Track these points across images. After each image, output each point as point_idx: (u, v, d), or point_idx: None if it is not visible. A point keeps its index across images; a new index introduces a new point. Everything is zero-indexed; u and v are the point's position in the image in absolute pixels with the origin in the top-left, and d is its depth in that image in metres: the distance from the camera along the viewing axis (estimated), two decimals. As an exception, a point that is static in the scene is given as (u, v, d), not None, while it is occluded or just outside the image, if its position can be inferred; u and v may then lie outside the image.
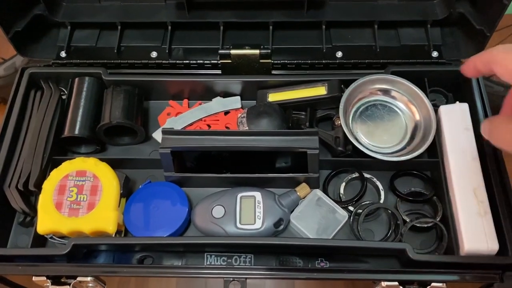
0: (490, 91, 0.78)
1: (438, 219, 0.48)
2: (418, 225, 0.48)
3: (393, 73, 0.53)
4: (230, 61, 0.54)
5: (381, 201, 0.50)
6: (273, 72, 0.56)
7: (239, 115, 0.54)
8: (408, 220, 0.48)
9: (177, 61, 0.57)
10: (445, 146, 0.48)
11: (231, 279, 0.43)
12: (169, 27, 0.58)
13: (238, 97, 0.57)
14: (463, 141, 0.48)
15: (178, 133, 0.49)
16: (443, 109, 0.50)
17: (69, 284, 0.45)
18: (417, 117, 0.52)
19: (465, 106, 0.50)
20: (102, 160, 0.50)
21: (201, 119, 0.56)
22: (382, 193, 0.50)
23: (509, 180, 0.47)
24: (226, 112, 0.57)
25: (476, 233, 0.43)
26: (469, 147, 0.47)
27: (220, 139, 0.48)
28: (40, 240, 0.48)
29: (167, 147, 0.48)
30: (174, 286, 0.57)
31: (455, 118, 0.49)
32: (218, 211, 0.48)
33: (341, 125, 0.50)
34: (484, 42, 0.52)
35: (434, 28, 0.57)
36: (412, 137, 0.52)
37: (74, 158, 0.50)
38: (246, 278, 0.43)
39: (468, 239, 0.43)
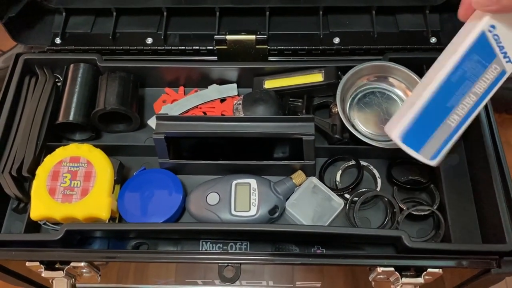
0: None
1: (435, 207, 0.48)
2: (415, 213, 0.48)
3: (391, 59, 0.52)
4: (226, 47, 0.54)
5: (378, 189, 0.49)
6: (270, 58, 0.56)
7: (235, 102, 0.54)
8: (405, 208, 0.48)
9: (173, 48, 0.56)
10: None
11: (226, 264, 0.43)
12: (165, 13, 0.57)
13: (235, 85, 0.56)
14: (465, 35, 0.34)
15: (172, 119, 0.48)
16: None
17: (62, 270, 0.44)
18: (415, 104, 0.52)
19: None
20: (97, 146, 0.50)
21: (196, 107, 0.55)
22: (379, 181, 0.50)
23: (509, 169, 0.46)
24: (222, 100, 0.56)
25: (395, 118, 0.34)
26: (463, 41, 0.34)
27: (215, 125, 0.47)
28: (33, 226, 0.48)
29: (161, 133, 0.47)
30: (174, 274, 0.56)
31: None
32: (212, 198, 0.48)
33: (338, 113, 0.49)
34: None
35: (432, 14, 0.56)
36: (410, 125, 0.51)
37: (69, 144, 0.50)
38: (240, 264, 0.43)
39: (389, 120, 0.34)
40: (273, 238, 0.48)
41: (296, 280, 0.54)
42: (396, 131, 0.32)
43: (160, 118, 0.48)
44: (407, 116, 0.33)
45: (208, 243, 0.48)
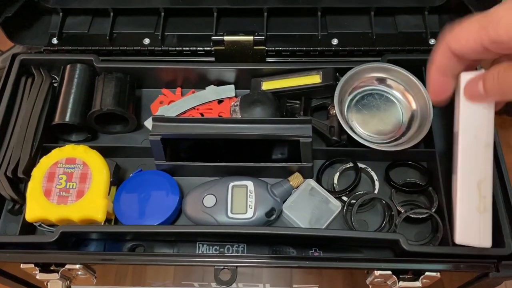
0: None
1: (433, 210, 0.47)
2: (413, 216, 0.47)
3: (390, 61, 0.52)
4: (223, 47, 0.53)
5: (376, 192, 0.49)
6: (268, 59, 0.55)
7: (232, 103, 0.53)
8: (403, 211, 0.48)
9: (170, 48, 0.56)
10: (457, 123, 0.40)
11: (222, 267, 0.42)
12: (162, 14, 0.57)
13: (232, 86, 0.56)
14: (480, 121, 0.39)
15: (168, 120, 0.48)
16: (464, 76, 0.39)
17: (57, 272, 0.44)
18: (414, 106, 0.51)
19: None
20: (93, 148, 0.49)
21: (194, 108, 0.55)
22: (377, 183, 0.50)
23: (507, 171, 0.46)
24: (220, 101, 0.56)
25: (470, 228, 0.40)
26: (486, 129, 0.40)
27: (212, 127, 0.47)
28: (29, 228, 0.47)
29: (157, 134, 0.47)
30: (171, 276, 0.56)
31: None
32: (209, 200, 0.47)
33: (336, 114, 0.49)
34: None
35: (431, 15, 0.55)
36: (408, 127, 0.51)
37: (65, 145, 0.50)
38: (237, 267, 0.42)
39: (461, 233, 0.40)
40: (270, 241, 0.48)
41: (294, 283, 0.53)
42: (489, 243, 0.39)
43: (156, 119, 0.48)
44: (488, 227, 0.39)
45: (205, 245, 0.48)
